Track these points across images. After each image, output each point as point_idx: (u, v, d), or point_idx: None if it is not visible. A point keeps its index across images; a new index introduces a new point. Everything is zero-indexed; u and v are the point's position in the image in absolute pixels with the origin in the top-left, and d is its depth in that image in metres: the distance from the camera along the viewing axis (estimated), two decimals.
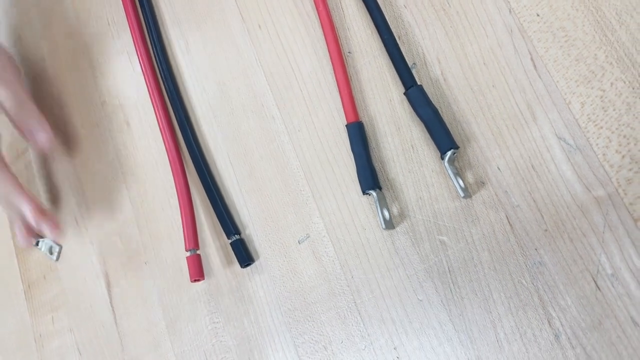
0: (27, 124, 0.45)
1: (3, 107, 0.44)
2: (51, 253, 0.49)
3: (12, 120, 0.45)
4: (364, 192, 0.34)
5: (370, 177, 0.34)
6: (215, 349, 0.40)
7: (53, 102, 0.52)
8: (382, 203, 0.33)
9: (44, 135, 0.45)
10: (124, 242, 0.45)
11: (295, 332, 0.36)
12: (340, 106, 0.36)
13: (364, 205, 0.35)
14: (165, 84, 0.44)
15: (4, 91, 0.44)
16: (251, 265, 0.39)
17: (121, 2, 0.47)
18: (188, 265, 0.38)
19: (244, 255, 0.38)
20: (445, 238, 0.32)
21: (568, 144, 0.29)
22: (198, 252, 0.39)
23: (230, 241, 0.39)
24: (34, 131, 0.45)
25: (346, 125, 0.35)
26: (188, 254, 0.39)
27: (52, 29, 0.53)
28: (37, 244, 0.50)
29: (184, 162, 0.42)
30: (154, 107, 0.44)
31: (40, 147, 0.46)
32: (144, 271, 0.44)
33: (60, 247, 0.49)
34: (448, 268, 0.32)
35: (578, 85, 0.29)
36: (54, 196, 0.51)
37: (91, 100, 0.49)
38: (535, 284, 0.29)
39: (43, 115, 0.46)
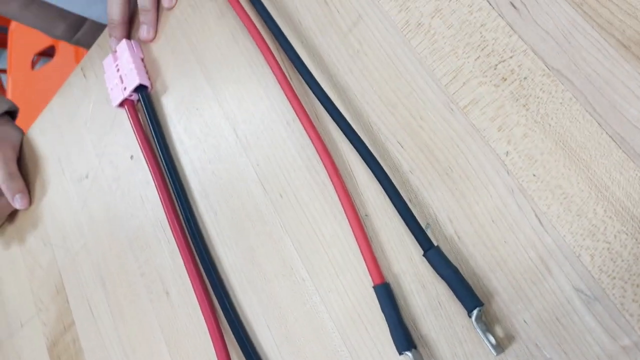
0: (12, 191, 0.63)
1: None
2: None
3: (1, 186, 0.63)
4: (400, 353, 0.35)
5: (403, 338, 0.35)
6: None
7: (95, 277, 0.55)
8: None
9: (23, 202, 0.64)
10: None
11: None
12: (365, 266, 0.39)
13: None
14: (199, 254, 0.47)
15: None
16: None
17: (152, 179, 0.51)
18: None
19: None
20: None
21: (586, 295, 0.30)
22: None
23: None
24: (16, 198, 0.63)
25: (373, 288, 0.37)
26: None
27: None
28: None
29: (222, 329, 0.44)
30: (189, 276, 0.47)
31: (17, 207, 0.64)
32: None
33: None
34: None
35: (584, 239, 0.31)
36: None
37: (131, 271, 0.52)
38: None
39: (26, 189, 0.65)
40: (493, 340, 0.32)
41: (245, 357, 0.42)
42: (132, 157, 0.55)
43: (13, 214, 0.66)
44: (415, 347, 0.35)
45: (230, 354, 0.43)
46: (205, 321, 0.45)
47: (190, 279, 0.46)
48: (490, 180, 0.35)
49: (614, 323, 0.29)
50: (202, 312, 0.45)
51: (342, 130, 0.40)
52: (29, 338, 0.61)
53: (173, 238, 0.49)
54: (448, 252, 0.35)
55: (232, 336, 0.44)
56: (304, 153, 0.44)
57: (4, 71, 2.00)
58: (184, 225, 0.49)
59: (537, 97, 0.34)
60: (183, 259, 0.47)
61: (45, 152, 0.65)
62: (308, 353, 0.40)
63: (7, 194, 0.63)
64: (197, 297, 0.46)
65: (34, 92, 1.51)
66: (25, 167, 0.67)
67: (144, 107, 0.54)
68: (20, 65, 1.60)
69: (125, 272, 0.53)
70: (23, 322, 0.62)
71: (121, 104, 0.56)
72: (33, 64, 1.60)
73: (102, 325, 0.54)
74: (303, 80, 0.44)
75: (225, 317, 0.44)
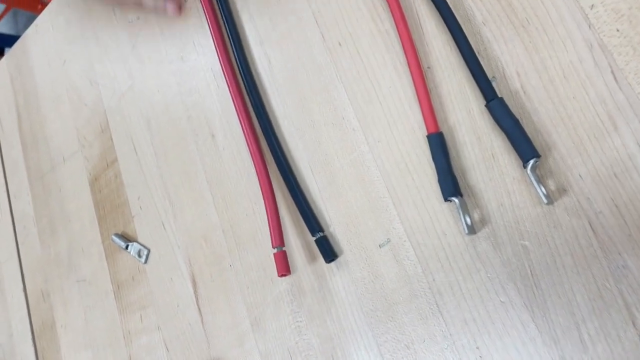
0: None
1: None
2: (140, 256, 0.53)
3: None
4: (445, 199, 0.36)
5: (451, 185, 0.36)
6: (298, 347, 0.42)
7: (141, 117, 0.56)
8: (464, 209, 0.35)
9: (171, 5, 0.54)
10: (210, 245, 0.49)
11: (377, 331, 0.39)
12: (419, 118, 0.38)
13: (445, 211, 0.37)
14: (251, 97, 0.47)
15: None
16: (332, 267, 0.41)
17: (207, 24, 0.50)
18: (275, 261, 0.41)
19: (328, 251, 0.40)
20: (527, 243, 0.33)
21: None
22: (284, 249, 0.42)
23: (314, 238, 0.41)
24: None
25: (427, 136, 0.37)
26: (275, 250, 0.42)
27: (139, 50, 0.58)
28: (126, 247, 0.54)
29: (268, 168, 0.45)
30: (239, 118, 0.47)
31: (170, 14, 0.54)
32: (228, 273, 0.47)
33: (149, 250, 0.53)
34: (530, 272, 0.33)
35: None
36: (142, 203, 0.55)
37: (177, 114, 0.53)
38: (619, 287, 0.30)
39: None
40: (545, 191, 0.32)
41: (290, 191, 0.43)
42: (186, 0, 0.54)
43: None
44: (461, 194, 0.36)
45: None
46: (252, 158, 0.45)
47: (240, 121, 0.47)
48: (569, 34, 0.34)
49: None
50: (249, 149, 0.46)
51: None
52: (71, 172, 0.63)
53: (223, 84, 0.49)
54: (511, 106, 0.35)
55: (276, 177, 0.45)
56: (369, 0, 0.42)
57: None
58: (237, 70, 0.49)
59: None
60: (234, 103, 0.48)
61: None
62: (350, 198, 0.41)
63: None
64: (245, 136, 0.46)
65: None
66: (74, 7, 0.66)
67: None
68: None
69: (171, 114, 0.54)
70: (66, 158, 0.64)
71: None
72: None
73: (145, 164, 0.55)
74: None
75: (274, 157, 0.45)
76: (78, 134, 0.63)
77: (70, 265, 0.60)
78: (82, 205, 0.60)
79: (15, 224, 0.67)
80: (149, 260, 0.53)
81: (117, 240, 0.55)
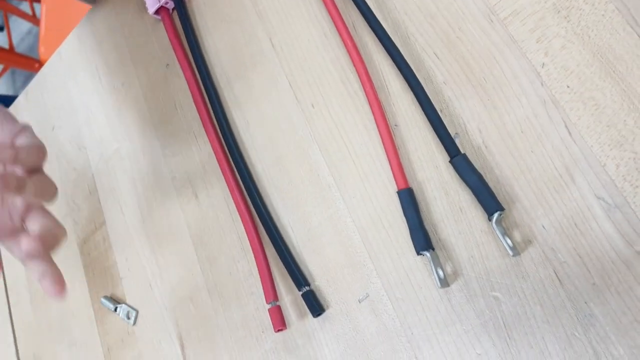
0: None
1: None
2: (128, 318, 0.54)
3: None
4: (418, 253, 0.37)
5: (423, 239, 0.37)
6: None
7: (127, 180, 0.57)
8: (436, 263, 0.36)
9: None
10: (196, 306, 0.49)
11: None
12: (391, 174, 0.40)
13: (419, 265, 0.38)
14: (233, 157, 0.48)
15: None
16: (315, 324, 0.41)
17: (189, 90, 0.52)
18: (271, 316, 0.42)
19: (315, 305, 0.41)
20: (498, 294, 0.34)
21: (607, 202, 0.31)
22: (278, 303, 0.42)
23: (301, 292, 0.42)
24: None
25: (397, 192, 0.39)
26: (269, 306, 0.42)
27: (126, 114, 0.60)
28: (115, 309, 0.54)
29: (256, 225, 0.46)
30: (224, 177, 0.48)
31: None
32: (215, 333, 0.47)
33: (137, 312, 0.53)
34: (503, 322, 0.34)
35: (611, 149, 0.32)
36: (130, 265, 0.55)
37: (162, 175, 0.54)
38: (587, 336, 0.31)
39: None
40: (510, 243, 0.33)
41: (275, 248, 0.44)
42: (167, 65, 0.57)
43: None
44: (433, 248, 0.37)
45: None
46: (240, 215, 0.46)
47: (225, 178, 0.48)
48: (524, 91, 0.35)
49: (632, 230, 0.30)
50: (237, 207, 0.46)
51: (378, 39, 0.41)
52: None
53: (205, 144, 0.51)
54: (474, 161, 0.36)
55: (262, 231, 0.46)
56: (339, 64, 0.44)
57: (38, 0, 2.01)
58: (218, 130, 0.50)
59: (580, 9, 0.34)
60: (218, 162, 0.49)
61: (83, 60, 0.66)
62: (329, 253, 0.42)
63: None
64: (230, 192, 0.47)
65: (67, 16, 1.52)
66: (62, 74, 0.69)
67: (179, 15, 0.55)
68: None
69: (156, 175, 0.55)
70: None
71: (157, 12, 0.57)
72: None
73: (131, 225, 0.56)
74: None
75: (258, 214, 0.46)
76: (67, 197, 0.64)
77: (62, 329, 0.60)
78: (72, 268, 0.61)
79: (8, 289, 0.68)
80: (137, 322, 0.53)
81: (106, 302, 0.55)
